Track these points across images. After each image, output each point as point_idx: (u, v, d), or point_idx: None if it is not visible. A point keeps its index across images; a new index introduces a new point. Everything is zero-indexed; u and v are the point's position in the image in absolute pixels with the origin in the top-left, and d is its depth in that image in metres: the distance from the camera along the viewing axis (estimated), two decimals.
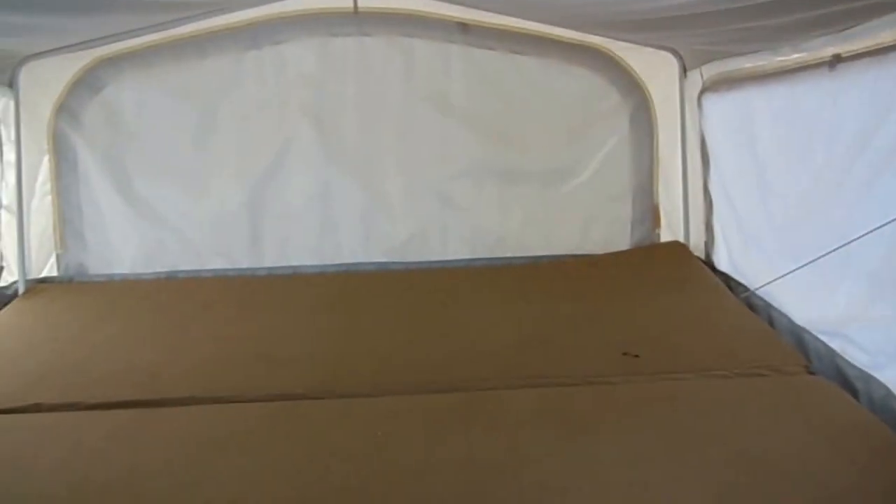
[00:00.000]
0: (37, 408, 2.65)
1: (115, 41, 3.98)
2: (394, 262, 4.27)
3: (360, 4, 4.06)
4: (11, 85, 3.96)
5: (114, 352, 3.19)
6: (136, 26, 3.87)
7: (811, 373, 2.77)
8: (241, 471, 2.19)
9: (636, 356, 2.93)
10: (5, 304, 3.86)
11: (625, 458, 2.21)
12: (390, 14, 4.10)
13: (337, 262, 4.27)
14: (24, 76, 3.97)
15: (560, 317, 3.45)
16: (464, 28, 4.12)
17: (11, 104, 3.96)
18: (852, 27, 2.49)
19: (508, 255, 4.29)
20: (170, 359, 3.07)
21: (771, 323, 3.27)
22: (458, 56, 4.18)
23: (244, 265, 4.25)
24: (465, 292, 3.86)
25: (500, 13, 4.05)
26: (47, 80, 4.04)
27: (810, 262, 2.96)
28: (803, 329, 3.04)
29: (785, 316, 3.21)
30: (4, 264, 4.03)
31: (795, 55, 2.99)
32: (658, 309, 3.48)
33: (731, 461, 2.16)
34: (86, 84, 4.09)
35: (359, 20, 4.09)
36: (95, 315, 3.67)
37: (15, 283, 4.05)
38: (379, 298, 3.83)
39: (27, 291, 4.02)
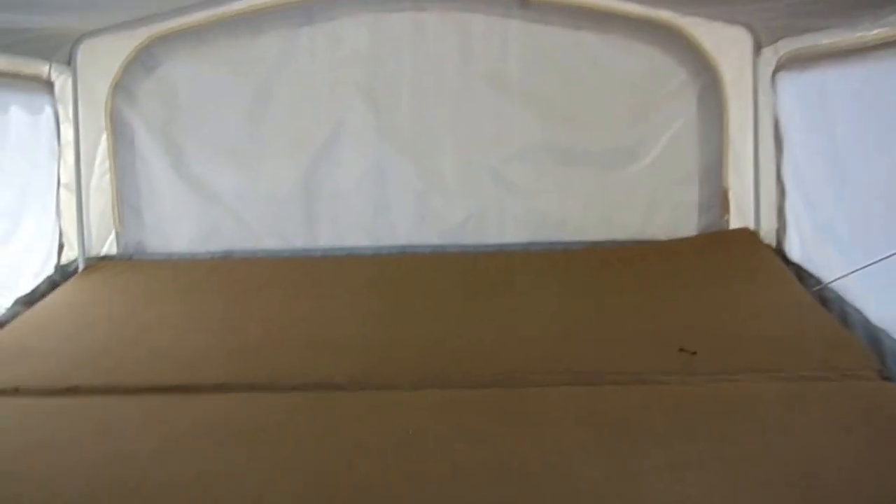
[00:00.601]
0: (74, 391, 2.68)
1: (169, 18, 3.95)
2: (449, 245, 4.19)
3: None
4: (69, 63, 3.96)
5: (159, 334, 3.21)
6: (189, 2, 3.84)
7: (886, 378, 2.56)
8: (260, 464, 2.15)
9: (693, 353, 2.77)
10: (66, 281, 3.91)
11: (669, 468, 2.06)
12: None
13: (391, 243, 4.20)
14: (82, 54, 3.98)
15: (616, 307, 3.32)
16: (523, 2, 3.96)
17: (69, 82, 3.97)
18: None
19: (567, 239, 4.15)
20: (212, 343, 3.08)
21: (844, 321, 3.06)
22: (516, 32, 4.02)
23: (298, 245, 4.23)
24: (519, 278, 3.76)
25: None
26: (104, 58, 4.04)
27: (890, 256, 2.75)
28: (880, 329, 2.83)
29: (860, 313, 2.99)
30: (65, 241, 4.07)
31: (876, 30, 2.79)
32: (721, 301, 3.32)
33: (790, 481, 1.99)
34: (141, 62, 4.08)
35: None
36: (148, 295, 3.71)
37: (76, 260, 4.10)
38: (431, 282, 3.76)
39: (86, 269, 4.08)
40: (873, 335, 2.85)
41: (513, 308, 3.37)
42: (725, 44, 3.95)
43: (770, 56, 3.76)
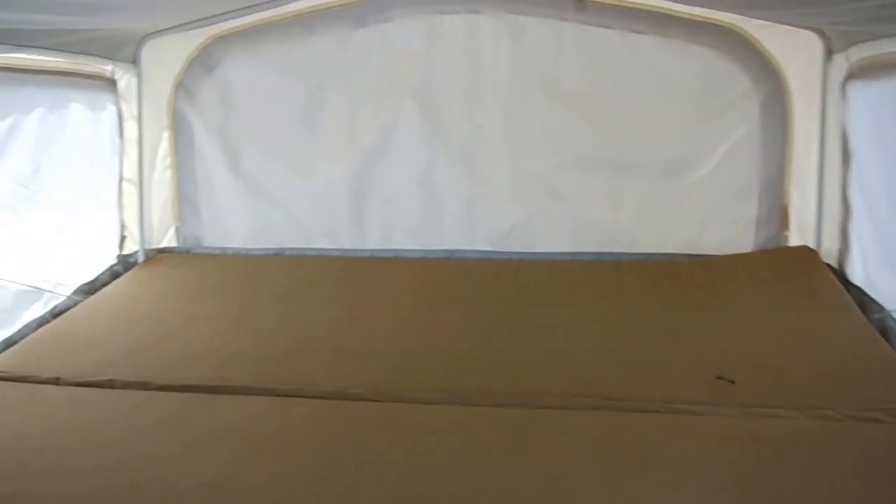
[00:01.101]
0: (110, 384, 2.80)
1: (228, 18, 4.04)
2: (497, 252, 4.14)
3: None
4: (134, 62, 4.10)
5: (197, 332, 3.31)
6: (245, 4, 3.91)
7: None
8: (270, 472, 2.18)
9: (732, 382, 2.63)
10: (127, 271, 4.09)
11: None
12: None
13: (439, 247, 4.19)
14: (146, 54, 4.11)
15: (657, 325, 3.21)
16: (579, 4, 3.85)
17: (134, 81, 4.12)
18: None
19: (617, 250, 4.04)
20: (245, 344, 3.16)
21: None
22: (571, 35, 3.93)
23: (347, 245, 4.27)
24: (562, 289, 3.68)
25: None
26: (167, 57, 4.18)
27: None
28: None
29: None
30: (127, 234, 4.24)
31: None
32: (771, 325, 3.15)
33: None
34: (201, 62, 4.20)
35: None
36: (198, 289, 3.84)
37: (136, 252, 4.27)
38: (474, 289, 3.73)
39: (146, 261, 4.25)
40: None
41: (549, 322, 3.30)
42: (792, 49, 3.75)
43: (841, 63, 3.52)
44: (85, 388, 2.79)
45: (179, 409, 2.63)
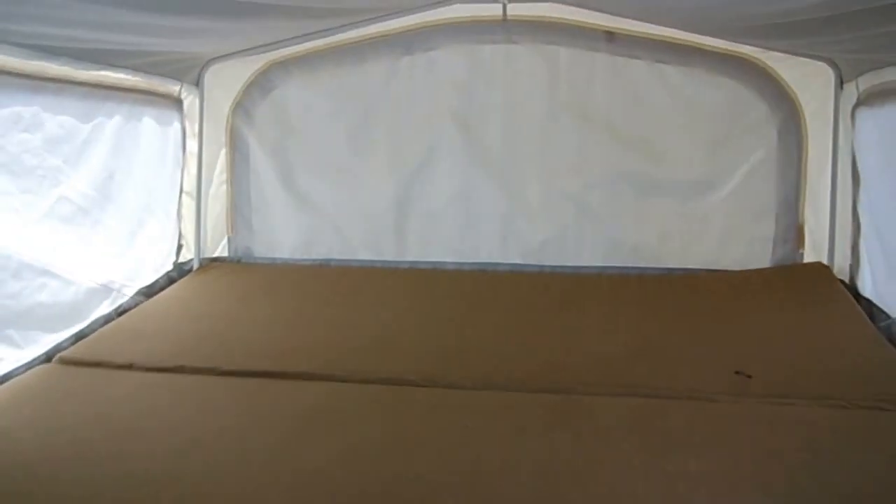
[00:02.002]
0: (181, 369, 3.08)
1: (285, 46, 4.37)
2: (529, 265, 4.40)
3: (508, 13, 4.20)
4: (198, 84, 4.46)
5: (254, 329, 3.59)
6: (302, 32, 4.24)
7: None
8: (327, 446, 2.43)
9: (749, 376, 2.87)
10: (182, 278, 4.38)
11: (707, 478, 2.20)
12: (537, 22, 4.21)
13: (475, 260, 4.45)
14: (209, 77, 4.47)
15: (681, 330, 3.44)
16: (609, 37, 4.16)
17: (197, 101, 4.48)
18: None
19: (642, 265, 4.29)
20: (301, 339, 3.43)
21: None
22: (601, 65, 4.22)
23: (389, 258, 4.54)
24: (591, 299, 3.92)
25: (646, 21, 4.03)
26: (227, 80, 4.52)
27: None
28: None
29: None
30: (184, 243, 4.54)
31: None
32: (786, 330, 3.38)
33: (826, 498, 2.09)
34: (259, 85, 4.53)
35: (507, 28, 4.24)
36: (252, 294, 4.10)
37: (191, 260, 4.58)
38: (507, 298, 3.98)
39: (200, 268, 4.55)
40: None
41: (580, 326, 3.55)
42: (807, 78, 4.02)
43: (851, 91, 3.80)
44: (157, 373, 3.06)
45: (246, 390, 2.89)
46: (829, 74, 3.96)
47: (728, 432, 2.48)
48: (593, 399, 2.76)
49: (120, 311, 3.82)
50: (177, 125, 4.37)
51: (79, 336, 3.46)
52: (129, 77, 3.78)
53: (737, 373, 2.90)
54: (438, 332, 3.48)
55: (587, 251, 4.36)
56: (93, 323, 3.60)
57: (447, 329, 3.52)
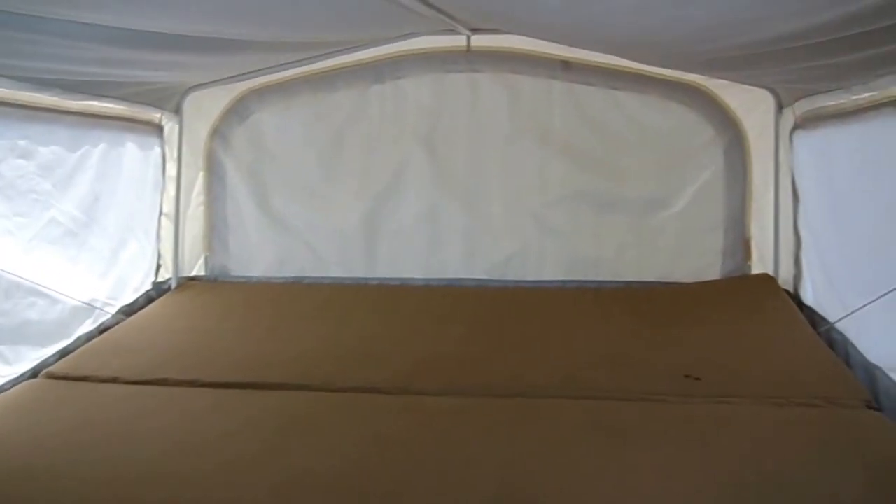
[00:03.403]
0: (163, 381, 3.23)
1: (261, 75, 4.57)
2: (494, 280, 4.62)
3: (472, 44, 4.45)
4: (177, 111, 4.64)
5: (233, 342, 3.75)
6: (278, 63, 4.45)
7: (872, 408, 2.83)
8: (306, 450, 2.60)
9: (697, 379, 3.10)
10: (160, 296, 4.53)
11: (656, 470, 2.42)
12: (499, 53, 4.46)
13: (442, 276, 4.67)
14: (188, 104, 4.65)
15: (637, 339, 3.67)
16: (566, 66, 4.42)
17: (176, 128, 4.65)
18: None
19: (601, 279, 4.52)
20: (277, 351, 3.59)
21: (847, 359, 3.32)
22: (559, 91, 4.48)
23: (359, 275, 4.73)
24: (552, 312, 4.15)
25: (599, 51, 4.27)
26: (206, 107, 4.71)
27: (876, 300, 3.05)
28: (876, 367, 3.08)
29: (860, 353, 3.25)
30: (162, 262, 4.70)
31: (867, 94, 3.09)
32: (733, 337, 3.62)
33: (763, 484, 2.31)
34: (236, 112, 4.72)
35: (470, 58, 4.50)
36: (229, 310, 4.27)
37: (169, 279, 4.73)
38: (473, 311, 4.18)
39: (178, 287, 4.70)
40: (870, 372, 3.10)
41: (542, 336, 3.76)
42: (749, 104, 4.31)
43: (789, 116, 4.09)
44: (141, 386, 3.20)
45: (227, 400, 3.05)
46: (770, 101, 4.25)
47: (677, 430, 2.71)
48: (554, 402, 2.97)
49: (102, 329, 3.95)
50: (157, 150, 4.56)
51: (63, 352, 3.60)
52: (114, 106, 3.97)
53: (686, 376, 3.13)
54: (408, 344, 3.66)
55: (548, 266, 4.59)
56: (76, 340, 3.74)
57: (416, 340, 3.70)
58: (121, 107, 4.05)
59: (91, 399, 3.09)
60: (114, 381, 3.26)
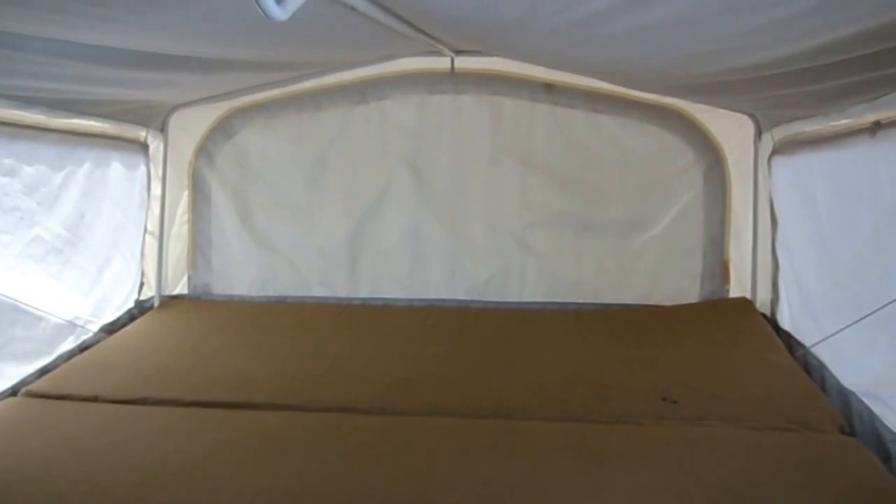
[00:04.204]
0: (143, 401, 3.24)
1: (247, 94, 4.61)
2: (474, 301, 4.67)
3: (456, 66, 4.50)
4: (163, 129, 4.67)
5: (215, 361, 3.76)
6: (263, 82, 4.50)
7: (846, 433, 2.86)
8: (285, 470, 2.61)
9: (674, 402, 3.14)
10: (143, 315, 4.53)
11: (630, 492, 2.46)
12: (483, 75, 4.52)
13: (423, 296, 4.70)
14: (173, 123, 4.68)
15: (614, 361, 3.69)
16: (549, 88, 4.48)
17: (161, 146, 4.67)
18: (890, 94, 2.60)
19: (581, 300, 4.57)
20: (259, 370, 3.61)
21: (823, 383, 3.36)
22: (542, 114, 4.54)
23: (342, 294, 4.76)
24: (532, 333, 4.19)
25: (582, 75, 4.33)
26: (191, 126, 4.74)
27: (848, 326, 3.10)
28: (849, 391, 3.13)
29: (835, 377, 3.29)
30: (145, 280, 4.72)
31: (843, 121, 3.13)
32: (710, 360, 3.66)
33: None
34: (221, 130, 4.75)
35: (454, 80, 4.56)
36: (211, 329, 4.28)
37: (152, 297, 4.74)
38: (456, 332, 4.21)
39: (161, 305, 4.71)
40: (844, 396, 3.15)
41: (521, 358, 3.79)
42: (729, 129, 4.37)
43: (768, 141, 4.13)
44: (121, 405, 3.20)
45: (207, 420, 3.06)
46: (749, 126, 4.31)
47: (652, 452, 2.74)
48: (532, 424, 3.00)
49: (83, 347, 3.95)
50: (143, 168, 4.59)
51: (44, 370, 3.60)
52: (99, 124, 3.99)
53: (664, 399, 3.17)
54: (388, 364, 3.68)
55: (529, 288, 4.64)
56: (57, 358, 3.73)
57: (397, 361, 3.73)
58: (106, 125, 4.07)
59: (70, 418, 3.09)
60: (94, 399, 3.27)
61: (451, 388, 3.36)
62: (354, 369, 3.62)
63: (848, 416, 3.02)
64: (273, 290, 4.81)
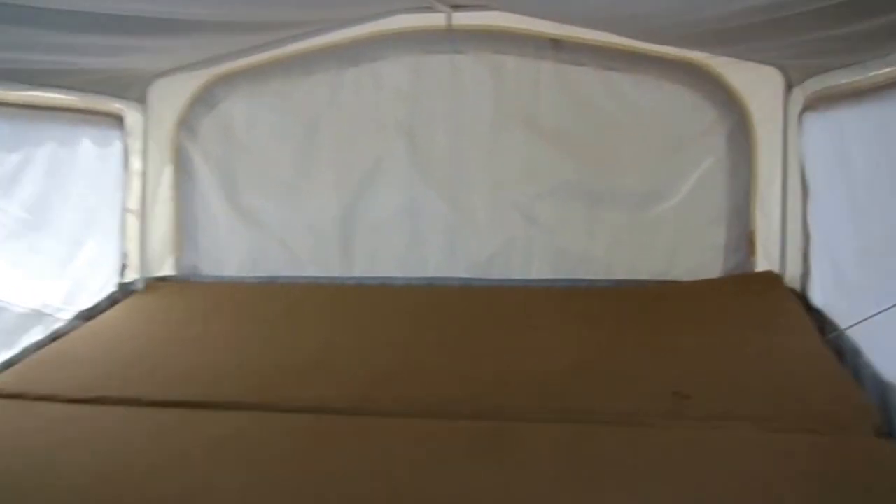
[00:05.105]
0: (102, 400, 2.97)
1: (229, 60, 4.29)
2: (477, 279, 4.34)
3: (453, 22, 4.14)
4: (141, 101, 4.37)
5: (192, 351, 3.50)
6: (247, 46, 4.15)
7: (883, 435, 2.48)
8: (241, 484, 2.33)
9: (687, 397, 2.77)
10: (126, 298, 4.28)
11: None
12: (482, 31, 4.16)
13: (422, 275, 4.39)
14: (153, 93, 4.39)
15: (625, 346, 3.36)
16: (556, 44, 4.11)
17: (141, 118, 4.39)
18: None
19: (592, 277, 4.23)
20: (233, 363, 3.34)
21: (857, 372, 2.96)
22: (548, 73, 4.18)
23: (336, 274, 4.48)
24: (537, 314, 3.86)
25: (593, 28, 3.97)
26: (172, 96, 4.45)
27: (890, 308, 2.68)
28: (889, 384, 2.71)
29: (872, 366, 2.88)
30: (128, 262, 4.46)
31: (885, 70, 2.76)
32: (732, 346, 3.29)
33: None
34: (203, 100, 4.47)
35: (451, 37, 4.19)
36: (193, 315, 4.03)
37: (136, 280, 4.48)
38: (452, 315, 3.92)
39: (146, 288, 4.47)
40: (883, 390, 2.73)
41: (522, 345, 3.46)
42: (755, 83, 3.97)
43: (798, 96, 3.72)
44: (78, 405, 2.94)
45: (166, 423, 2.79)
46: (778, 79, 3.90)
47: (659, 461, 2.39)
48: (522, 426, 2.67)
49: (54, 337, 3.70)
50: (118, 143, 4.28)
51: (7, 364, 3.35)
52: (65, 97, 3.69)
53: (675, 393, 2.80)
54: (375, 355, 3.40)
55: (536, 264, 4.31)
56: (24, 350, 3.48)
57: (385, 351, 3.44)
58: (73, 97, 3.76)
59: (19, 420, 2.82)
60: (50, 399, 2.99)
61: (437, 384, 3.05)
62: (335, 361, 3.33)
63: (887, 413, 2.61)
64: (263, 271, 4.54)
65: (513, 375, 3.09)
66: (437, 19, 4.14)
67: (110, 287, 4.30)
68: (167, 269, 4.62)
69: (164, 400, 2.96)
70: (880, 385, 2.76)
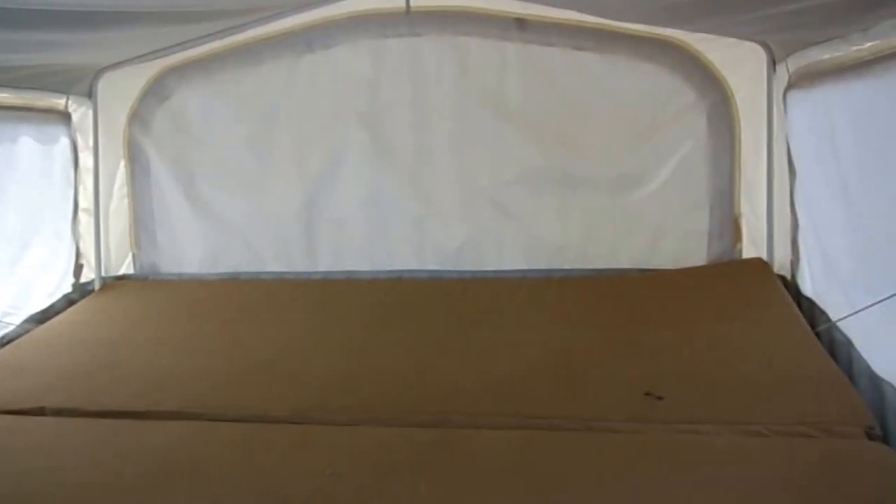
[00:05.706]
0: (40, 411, 2.80)
1: (180, 50, 4.10)
2: (447, 271, 4.13)
3: (412, 4, 3.94)
4: (90, 95, 4.20)
5: (142, 356, 3.32)
6: (197, 35, 3.98)
7: (875, 437, 2.28)
8: (175, 501, 2.15)
9: (659, 398, 2.56)
10: (83, 299, 4.11)
11: None
12: (443, 12, 3.95)
13: (389, 268, 4.19)
14: (102, 87, 4.22)
15: (598, 341, 3.17)
16: (521, 24, 3.88)
17: (90, 113, 4.21)
18: None
19: (567, 267, 4.01)
20: (182, 368, 3.16)
21: (850, 366, 2.76)
22: (514, 54, 3.95)
23: (300, 269, 4.28)
24: (508, 308, 3.66)
25: (559, 7, 3.75)
26: (122, 89, 4.27)
27: (888, 298, 2.46)
28: (883, 380, 2.51)
29: (864, 360, 2.68)
30: (84, 262, 4.29)
31: (868, 44, 2.57)
32: (715, 339, 3.07)
33: None
34: (154, 93, 4.27)
35: (411, 20, 3.97)
36: (149, 316, 3.86)
37: (93, 279, 4.31)
38: (421, 310, 3.73)
39: (103, 288, 4.30)
40: (876, 386, 2.54)
41: (489, 344, 3.26)
42: (736, 60, 3.75)
43: (783, 73, 3.47)
44: (15, 416, 2.76)
45: (103, 435, 2.61)
46: (761, 56, 3.67)
47: (625, 472, 2.17)
48: (475, 433, 2.46)
49: (5, 342, 3.54)
50: (65, 140, 4.11)
51: None
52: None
53: (647, 394, 2.59)
54: (330, 356, 3.22)
55: (508, 254, 4.10)
56: None
57: (340, 351, 3.27)
58: (10, 95, 3.60)
59: None
60: None
61: (390, 388, 2.85)
62: (289, 364, 3.15)
63: (880, 412, 2.41)
64: (225, 267, 4.34)
65: (472, 377, 2.90)
66: (395, 1, 3.93)
67: (65, 288, 4.13)
68: (126, 268, 4.43)
69: (105, 410, 2.77)
70: (874, 381, 2.57)
